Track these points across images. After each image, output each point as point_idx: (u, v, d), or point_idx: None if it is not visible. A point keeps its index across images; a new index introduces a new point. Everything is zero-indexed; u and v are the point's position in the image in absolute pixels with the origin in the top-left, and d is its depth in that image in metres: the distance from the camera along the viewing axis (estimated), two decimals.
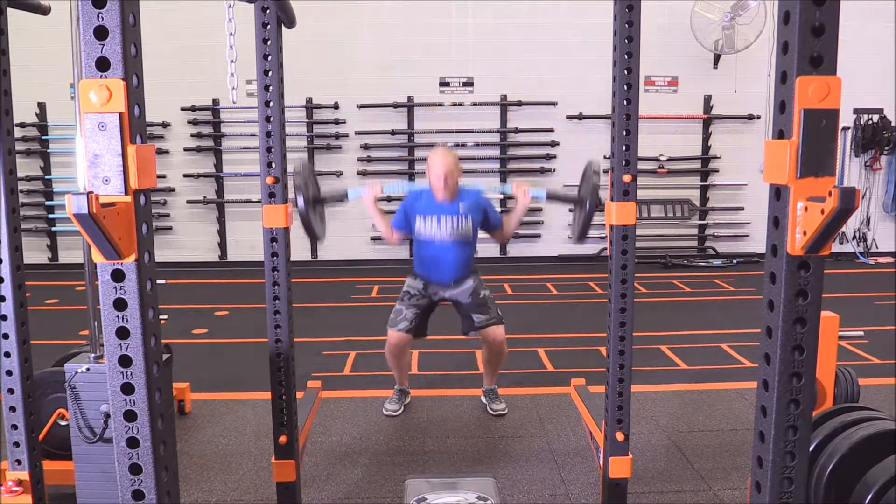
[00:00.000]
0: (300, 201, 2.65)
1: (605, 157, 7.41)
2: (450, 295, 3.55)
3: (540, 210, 7.89)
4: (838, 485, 2.06)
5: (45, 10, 2.42)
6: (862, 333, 3.51)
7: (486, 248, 7.63)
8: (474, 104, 7.69)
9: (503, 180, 7.81)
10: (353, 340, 4.89)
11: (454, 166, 3.46)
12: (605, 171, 2.39)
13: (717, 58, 7.55)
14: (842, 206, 1.03)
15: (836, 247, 7.85)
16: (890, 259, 7.90)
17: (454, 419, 3.54)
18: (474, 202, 3.51)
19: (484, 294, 3.54)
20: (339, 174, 7.75)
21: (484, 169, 7.75)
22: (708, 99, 7.80)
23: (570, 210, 7.79)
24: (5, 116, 2.08)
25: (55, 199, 7.65)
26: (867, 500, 1.95)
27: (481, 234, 3.61)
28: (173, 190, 7.74)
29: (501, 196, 7.59)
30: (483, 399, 3.72)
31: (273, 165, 2.32)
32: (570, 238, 2.96)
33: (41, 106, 7.54)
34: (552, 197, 3.27)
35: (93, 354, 2.33)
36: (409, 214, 3.53)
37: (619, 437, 2.38)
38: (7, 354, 2.15)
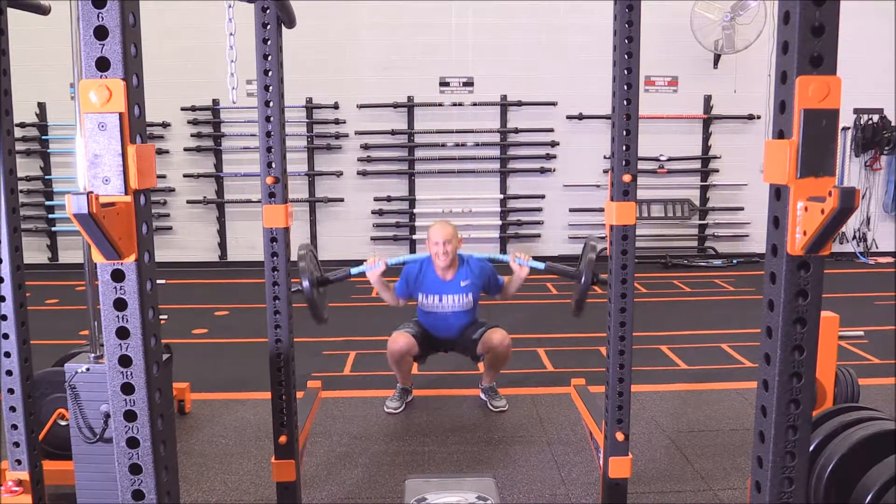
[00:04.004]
0: (306, 284, 2.66)
1: (605, 157, 7.42)
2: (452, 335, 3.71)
3: (540, 210, 7.90)
4: (838, 485, 2.06)
5: (45, 10, 2.42)
6: (862, 333, 3.52)
7: (487, 247, 7.65)
8: (474, 104, 7.69)
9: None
10: (353, 340, 4.89)
11: (453, 235, 3.52)
12: (605, 172, 2.40)
13: (717, 58, 7.55)
14: (842, 206, 1.03)
15: (836, 247, 7.85)
16: (890, 259, 7.90)
17: (454, 419, 3.54)
18: (476, 275, 3.58)
19: (477, 319, 3.72)
20: (339, 174, 7.76)
21: (484, 169, 7.75)
22: (708, 99, 7.80)
23: (572, 210, 7.81)
24: (5, 116, 2.09)
25: (55, 199, 7.65)
26: (867, 501, 1.95)
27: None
28: (173, 190, 7.73)
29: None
30: (483, 396, 3.74)
31: (273, 165, 2.32)
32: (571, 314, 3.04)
33: (41, 106, 7.54)
34: (550, 270, 3.32)
35: (93, 354, 2.33)
36: (412, 286, 3.61)
37: (619, 437, 2.38)
38: (7, 354, 2.15)
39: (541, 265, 3.34)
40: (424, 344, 3.64)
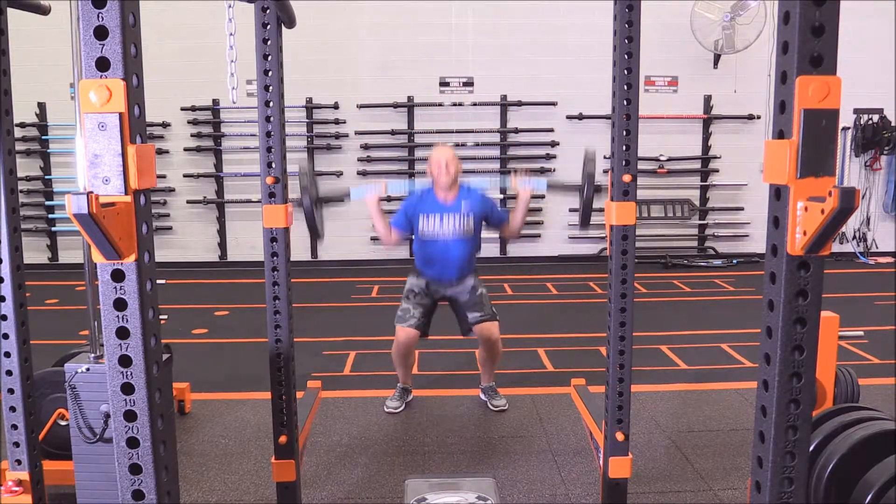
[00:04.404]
0: (306, 201, 2.66)
1: (605, 157, 7.41)
2: (451, 293, 3.59)
3: (540, 210, 7.89)
4: (838, 485, 2.06)
5: (45, 10, 2.42)
6: (862, 333, 3.51)
7: (486, 248, 7.61)
8: (474, 104, 7.69)
9: (503, 170, 7.80)
10: (353, 340, 4.89)
11: (454, 157, 3.53)
12: (605, 171, 2.40)
13: (717, 58, 7.55)
14: (842, 206, 1.03)
15: (836, 247, 7.84)
16: (890, 259, 7.90)
17: (454, 419, 3.54)
18: (476, 201, 3.54)
19: (481, 291, 3.60)
20: (339, 174, 7.75)
21: (484, 169, 7.75)
22: (708, 99, 7.80)
23: (572, 210, 7.81)
24: (5, 116, 2.08)
25: (55, 199, 7.65)
26: (867, 500, 1.95)
27: (487, 234, 3.63)
28: (173, 190, 7.74)
29: (503, 194, 7.59)
30: (482, 396, 3.74)
31: (273, 165, 2.32)
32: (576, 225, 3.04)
33: (41, 106, 7.54)
34: (553, 187, 3.30)
35: (93, 354, 2.33)
36: (411, 215, 3.54)
37: (619, 437, 2.38)
38: (7, 354, 2.15)
39: (542, 184, 3.33)
40: (426, 317, 3.58)
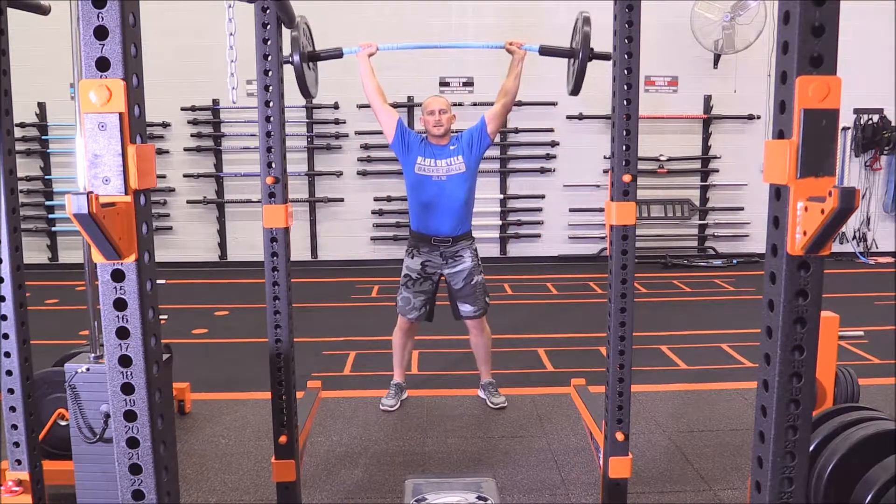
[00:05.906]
0: (296, 57, 2.68)
1: (605, 157, 7.41)
2: (447, 273, 3.59)
3: (540, 210, 7.90)
4: (838, 485, 2.06)
5: (45, 10, 2.42)
6: (862, 333, 3.51)
7: (487, 247, 7.64)
8: (474, 104, 7.68)
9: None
10: (353, 340, 4.89)
11: (449, 106, 3.60)
12: (605, 172, 2.40)
13: (717, 58, 7.55)
14: (842, 205, 1.03)
15: (836, 247, 7.84)
16: (890, 259, 7.90)
17: (454, 419, 3.54)
18: (463, 137, 3.59)
19: (476, 280, 3.59)
20: (339, 174, 7.75)
21: (484, 169, 7.73)
22: (708, 99, 7.80)
23: (572, 210, 7.82)
24: (5, 116, 2.09)
25: (55, 199, 7.65)
26: (867, 500, 1.95)
27: (485, 167, 3.62)
28: (173, 190, 7.74)
29: (502, 194, 7.60)
30: (482, 393, 3.74)
31: (273, 165, 2.32)
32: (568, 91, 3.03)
33: (41, 106, 7.54)
34: (546, 51, 3.33)
35: (93, 354, 2.33)
36: (406, 136, 3.56)
37: (619, 437, 2.38)
38: (7, 354, 2.15)
39: (535, 47, 3.38)
40: (428, 303, 3.63)
